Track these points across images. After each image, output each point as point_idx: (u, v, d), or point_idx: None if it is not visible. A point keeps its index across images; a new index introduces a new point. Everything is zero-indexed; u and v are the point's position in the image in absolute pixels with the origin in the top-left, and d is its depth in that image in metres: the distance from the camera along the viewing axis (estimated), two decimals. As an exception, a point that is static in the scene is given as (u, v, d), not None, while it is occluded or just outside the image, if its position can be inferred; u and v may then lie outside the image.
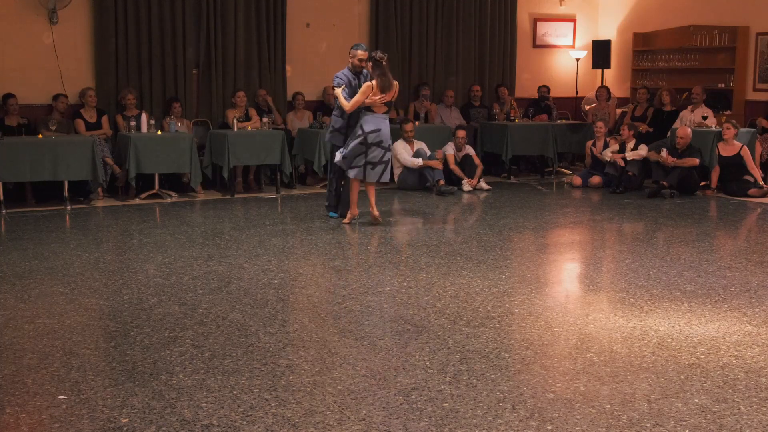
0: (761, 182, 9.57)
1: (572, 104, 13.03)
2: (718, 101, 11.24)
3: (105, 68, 10.03)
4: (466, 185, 10.04)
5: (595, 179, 10.30)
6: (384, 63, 7.44)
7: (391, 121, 7.88)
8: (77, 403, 3.55)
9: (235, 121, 9.84)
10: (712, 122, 10.27)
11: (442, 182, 9.80)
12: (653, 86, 12.08)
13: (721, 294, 5.32)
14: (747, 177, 9.59)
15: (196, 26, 10.49)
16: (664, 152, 9.68)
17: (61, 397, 3.61)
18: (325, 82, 10.90)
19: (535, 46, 13.09)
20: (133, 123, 9.46)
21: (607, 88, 12.20)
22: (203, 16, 10.44)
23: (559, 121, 11.65)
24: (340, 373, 3.88)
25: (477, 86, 12.13)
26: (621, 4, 13.19)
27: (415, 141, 10.14)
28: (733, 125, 9.69)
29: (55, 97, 9.55)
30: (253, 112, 10.44)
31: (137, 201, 9.25)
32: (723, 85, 11.44)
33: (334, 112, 7.85)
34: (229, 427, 3.31)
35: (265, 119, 10.02)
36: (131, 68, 10.13)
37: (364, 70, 7.64)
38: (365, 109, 7.46)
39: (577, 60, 12.98)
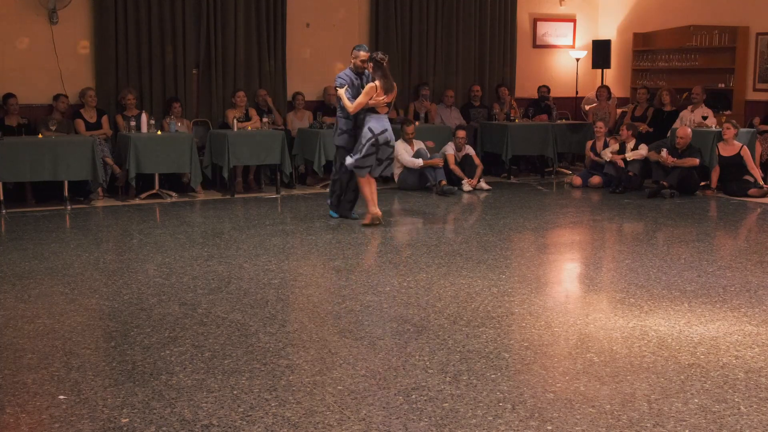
0: (761, 182, 9.57)
1: (572, 104, 13.03)
2: (718, 101, 11.24)
3: (105, 68, 10.03)
4: (466, 185, 10.04)
5: (595, 179, 10.30)
6: (385, 64, 7.44)
7: (391, 121, 7.87)
8: (77, 403, 3.55)
9: (235, 121, 9.83)
10: (712, 122, 10.26)
11: (444, 182, 9.79)
12: (653, 86, 12.07)
13: (721, 294, 5.32)
14: (747, 177, 9.59)
15: (196, 26, 10.49)
16: (664, 152, 9.67)
17: (61, 397, 3.61)
18: (325, 82, 10.91)
19: (535, 46, 13.09)
20: (133, 123, 9.46)
21: (608, 88, 12.19)
22: (203, 16, 10.44)
23: (559, 121, 11.65)
24: (340, 373, 3.88)
25: (477, 86, 12.13)
26: (621, 4, 13.18)
27: (415, 141, 10.14)
28: (733, 125, 9.68)
29: (56, 97, 9.56)
30: (253, 112, 10.44)
31: (137, 201, 9.25)
32: (723, 85, 11.43)
33: (339, 114, 7.76)
34: (229, 427, 3.31)
35: (265, 119, 10.03)
36: (131, 68, 10.14)
37: (366, 71, 7.64)
38: (369, 110, 7.46)
39: (577, 60, 12.98)
